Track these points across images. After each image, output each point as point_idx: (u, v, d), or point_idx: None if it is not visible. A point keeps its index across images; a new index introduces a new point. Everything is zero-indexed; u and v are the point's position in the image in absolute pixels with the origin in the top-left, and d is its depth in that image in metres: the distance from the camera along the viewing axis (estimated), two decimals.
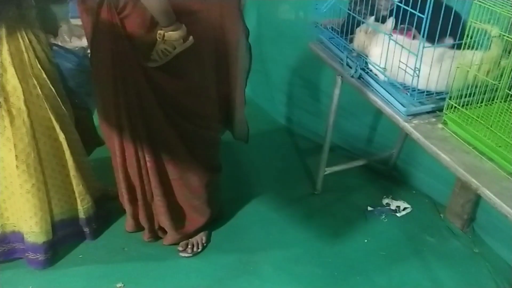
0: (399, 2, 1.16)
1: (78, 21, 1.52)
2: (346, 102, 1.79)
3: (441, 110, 1.20)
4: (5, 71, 1.38)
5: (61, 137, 1.52)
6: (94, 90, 1.51)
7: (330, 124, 1.80)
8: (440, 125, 1.19)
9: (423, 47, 1.11)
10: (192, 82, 1.45)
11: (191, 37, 1.31)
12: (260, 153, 2.30)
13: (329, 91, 1.84)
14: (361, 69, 1.40)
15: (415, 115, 1.23)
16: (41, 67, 1.44)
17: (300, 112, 2.41)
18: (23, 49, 1.39)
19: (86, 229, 1.70)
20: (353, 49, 1.43)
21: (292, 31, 2.21)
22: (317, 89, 2.23)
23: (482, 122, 1.07)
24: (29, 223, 1.53)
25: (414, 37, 1.28)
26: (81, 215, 1.66)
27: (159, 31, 1.28)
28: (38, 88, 1.43)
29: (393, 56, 1.24)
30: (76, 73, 1.81)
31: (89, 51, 1.55)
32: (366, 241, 1.78)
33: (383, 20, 1.38)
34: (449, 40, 1.23)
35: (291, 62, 2.31)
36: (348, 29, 1.48)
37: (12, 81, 1.39)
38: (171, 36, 1.27)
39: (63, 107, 1.52)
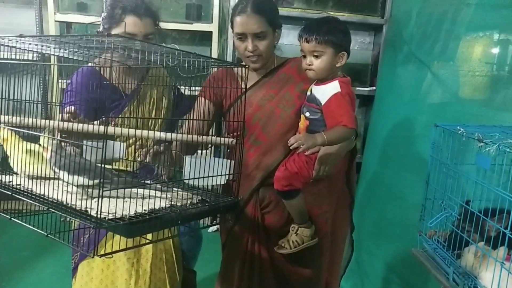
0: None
1: None
2: None
3: None
4: None
5: None
6: (220, 270, 1.67)
7: None
8: None
9: None
10: (311, 272, 1.58)
11: (317, 237, 1.50)
12: None
13: None
14: None
15: None
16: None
17: None
18: None
19: None
20: (460, 266, 1.41)
21: (394, 228, 2.24)
22: None
23: None
24: None
25: None
26: None
27: (293, 225, 1.48)
28: (163, 253, 1.59)
29: (507, 284, 1.20)
30: (188, 238, 2.01)
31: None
32: None
33: (494, 242, 1.37)
34: None
35: (389, 259, 2.28)
36: (455, 244, 1.49)
37: (148, 245, 1.53)
38: (303, 231, 1.47)
39: (176, 271, 1.63)
